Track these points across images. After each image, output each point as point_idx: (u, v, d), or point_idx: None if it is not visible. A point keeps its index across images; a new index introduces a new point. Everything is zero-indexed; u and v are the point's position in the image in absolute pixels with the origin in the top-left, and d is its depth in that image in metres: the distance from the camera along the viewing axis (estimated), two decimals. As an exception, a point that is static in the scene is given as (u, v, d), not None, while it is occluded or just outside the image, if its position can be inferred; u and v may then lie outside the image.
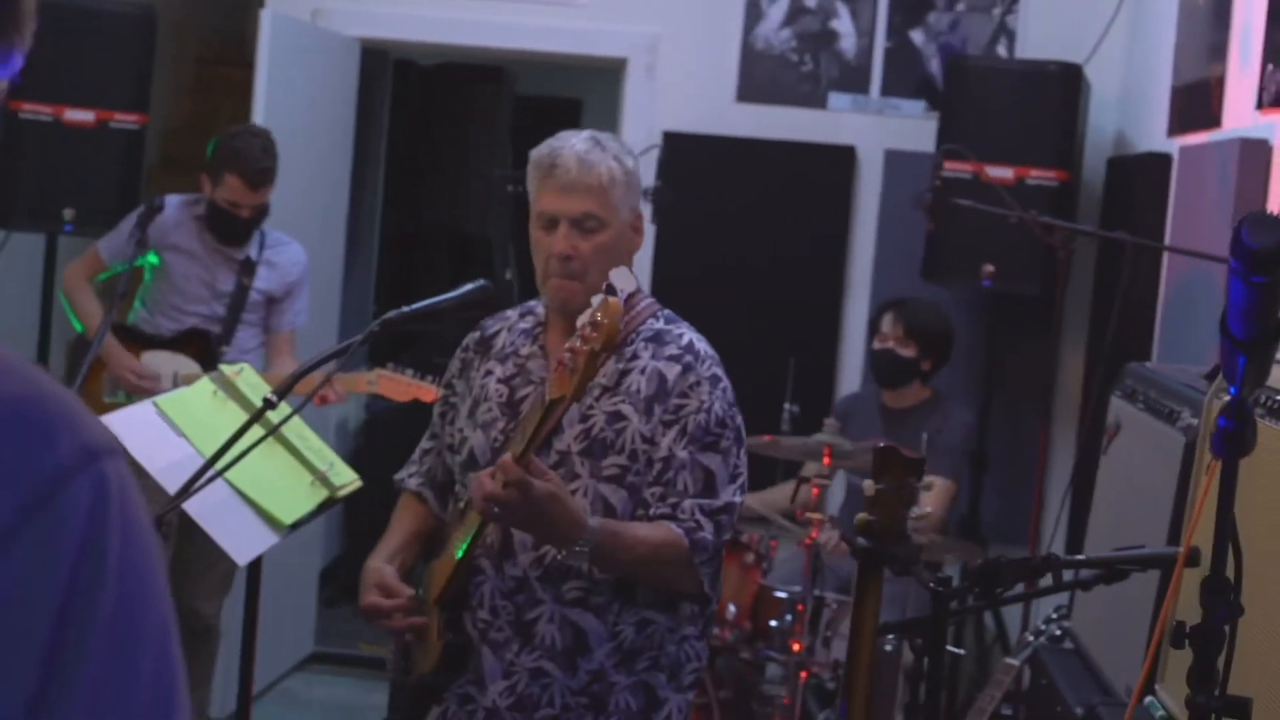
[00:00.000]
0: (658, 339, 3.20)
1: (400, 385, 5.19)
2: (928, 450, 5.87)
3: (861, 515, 2.85)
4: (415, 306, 3.11)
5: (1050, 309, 5.83)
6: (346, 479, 3.83)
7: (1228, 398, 1.99)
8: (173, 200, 5.58)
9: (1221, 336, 1.97)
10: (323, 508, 3.77)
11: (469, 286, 3.21)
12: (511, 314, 3.39)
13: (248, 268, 5.55)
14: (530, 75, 9.23)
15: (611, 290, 2.82)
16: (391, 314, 3.08)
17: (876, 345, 5.99)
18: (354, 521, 8.03)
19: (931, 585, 3.07)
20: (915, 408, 5.99)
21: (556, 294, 3.17)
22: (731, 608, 5.29)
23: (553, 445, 3.11)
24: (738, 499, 3.16)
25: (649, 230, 6.62)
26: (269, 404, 2.87)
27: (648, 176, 6.08)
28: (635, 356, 3.17)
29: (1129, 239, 4.97)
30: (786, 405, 5.96)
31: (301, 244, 6.37)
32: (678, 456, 3.10)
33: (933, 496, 5.85)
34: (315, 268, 6.53)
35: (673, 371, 3.15)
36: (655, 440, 3.11)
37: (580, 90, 9.95)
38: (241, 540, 3.45)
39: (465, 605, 3.16)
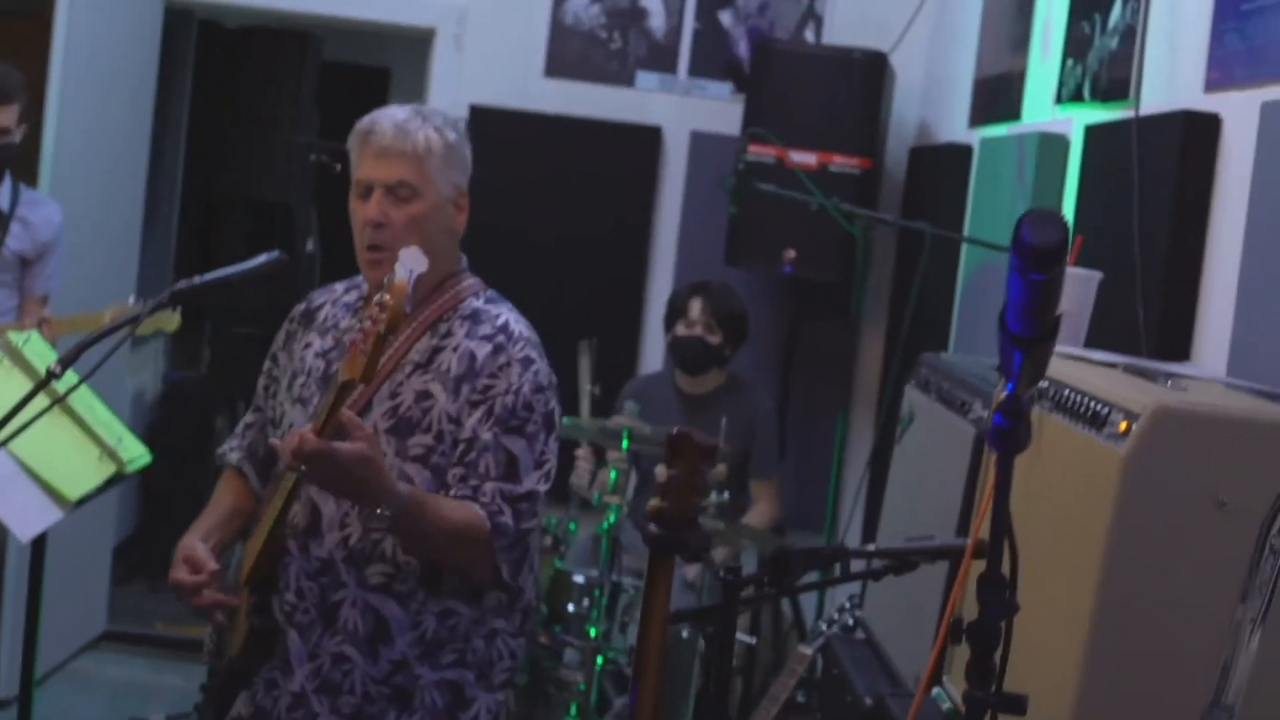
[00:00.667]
0: (474, 318, 3.17)
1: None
2: (754, 456, 5.92)
3: (654, 501, 2.84)
4: (206, 277, 3.04)
5: (849, 296, 5.87)
6: (135, 453, 3.75)
7: (1004, 394, 2.01)
8: None
9: (1000, 332, 1.99)
10: (111, 482, 3.68)
11: (262, 258, 3.15)
12: (339, 286, 3.35)
13: (0, 223, 5.34)
14: (339, 42, 9.10)
15: (402, 271, 2.79)
16: (181, 284, 3.01)
17: (683, 331, 5.93)
18: (149, 497, 7.87)
19: (722, 574, 3.08)
20: (714, 393, 5.99)
21: (368, 270, 3.13)
22: (526, 589, 5.26)
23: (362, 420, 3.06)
24: (541, 487, 3.13)
25: (452, 204, 6.59)
26: (52, 375, 2.78)
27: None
28: (449, 334, 3.14)
29: (928, 229, 5.02)
30: (588, 386, 5.95)
31: (97, 206, 6.22)
32: (481, 438, 3.07)
33: (764, 504, 5.91)
34: (112, 230, 6.39)
35: (484, 351, 3.12)
36: (461, 420, 3.07)
37: (390, 59, 9.84)
38: (25, 516, 3.36)
39: (274, 588, 3.10)
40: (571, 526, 5.62)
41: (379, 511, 2.91)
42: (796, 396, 6.51)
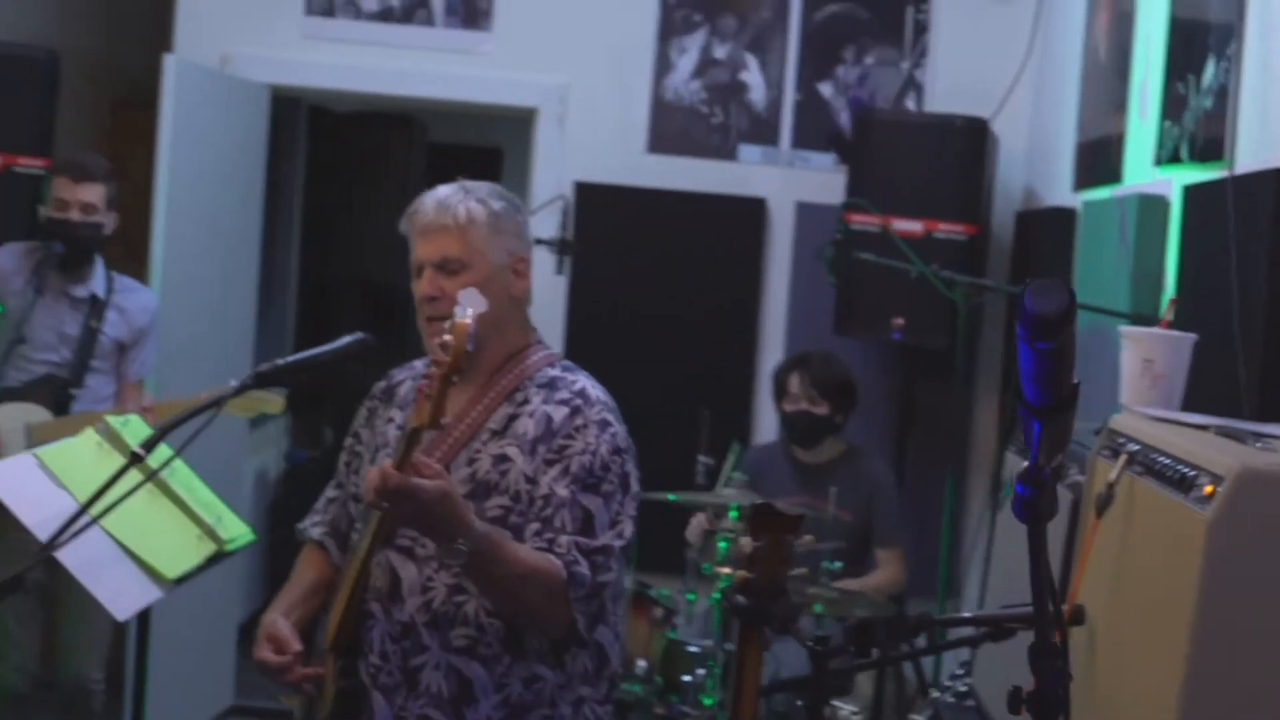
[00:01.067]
0: (551, 385, 3.20)
1: (245, 401, 5.14)
2: (875, 524, 5.90)
3: (740, 572, 2.83)
4: (290, 359, 3.08)
5: (959, 361, 5.83)
6: (237, 532, 3.79)
7: (1025, 464, 1.99)
8: (10, 248, 5.49)
9: (1017, 404, 1.98)
10: (211, 561, 3.72)
11: (346, 339, 3.19)
12: (419, 364, 3.39)
13: (96, 310, 5.42)
14: (451, 124, 9.23)
15: (461, 311, 2.86)
16: (265, 366, 3.05)
17: (788, 408, 5.95)
18: (276, 573, 7.93)
19: (809, 645, 3.07)
20: (830, 463, 5.97)
21: (430, 343, 3.17)
22: (641, 662, 5.27)
23: None
24: (616, 543, 3.13)
25: (560, 281, 6.64)
26: (138, 456, 2.83)
27: (550, 228, 6.07)
28: (526, 401, 3.17)
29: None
30: (700, 458, 5.94)
31: (209, 292, 6.32)
32: (558, 494, 3.08)
33: (888, 571, 5.86)
34: (225, 315, 6.49)
35: (560, 414, 3.15)
36: (537, 479, 3.09)
37: (502, 139, 9.95)
38: (121, 595, 3.41)
39: (359, 651, 3.13)
40: (690, 596, 5.60)
41: (456, 545, 2.92)
42: (911, 463, 6.47)
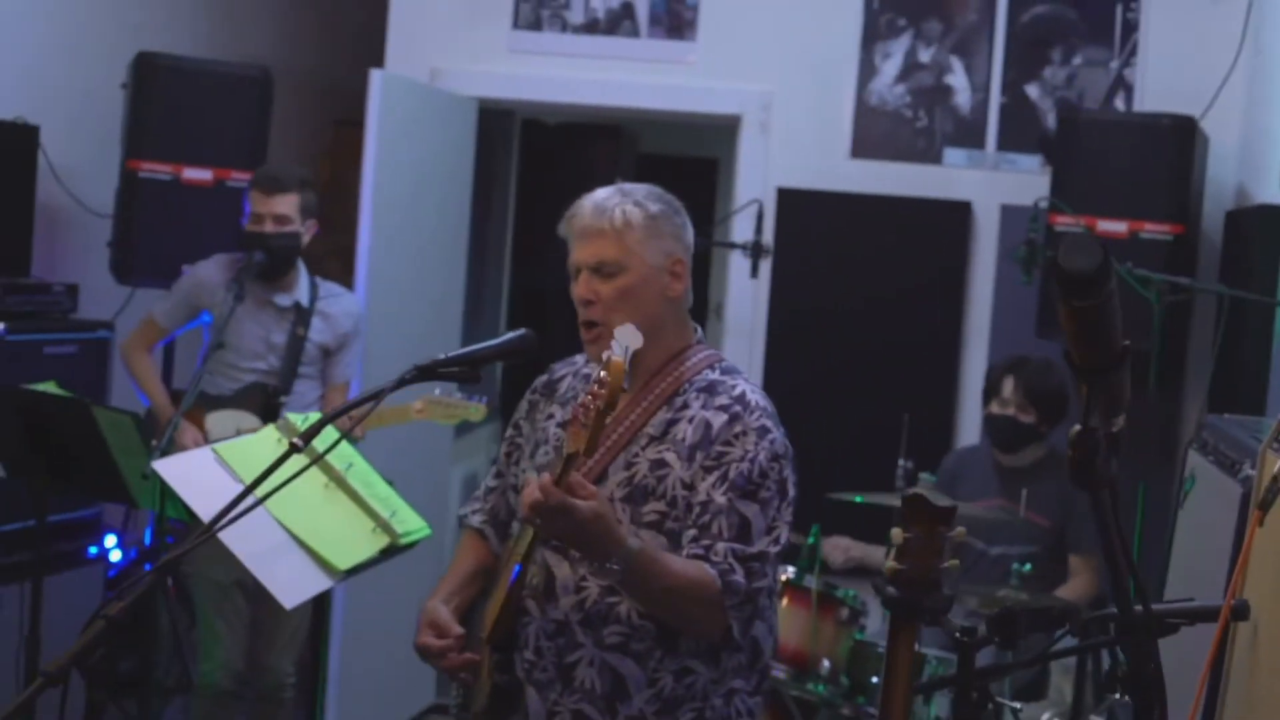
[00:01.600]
0: (710, 389, 3.21)
1: (448, 409, 5.23)
2: (1070, 530, 5.82)
3: (891, 564, 2.82)
4: (452, 354, 3.13)
5: (1165, 364, 5.72)
6: (412, 526, 3.85)
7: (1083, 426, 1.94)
8: (216, 259, 5.65)
9: (1069, 367, 1.94)
10: (386, 554, 3.79)
11: (509, 335, 3.23)
12: (579, 359, 3.42)
13: (301, 318, 5.56)
14: (665, 134, 9.29)
15: (618, 349, 2.87)
16: (426, 361, 3.10)
17: (995, 410, 5.90)
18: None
19: (957, 635, 3.03)
20: (1031, 466, 5.91)
21: (587, 347, 3.21)
22: (826, 663, 5.24)
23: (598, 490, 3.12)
24: (772, 549, 3.14)
25: (756, 285, 6.66)
26: (295, 448, 2.91)
27: (747, 232, 6.09)
28: (685, 406, 3.19)
29: (1223, 291, 4.88)
30: (901, 461, 5.90)
31: (415, 301, 6.45)
32: (715, 501, 3.10)
33: (1080, 579, 5.78)
34: (432, 323, 6.62)
35: (719, 420, 3.16)
36: (694, 485, 3.11)
37: (719, 149, 9.99)
38: (290, 583, 3.50)
39: (515, 646, 3.19)
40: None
41: (609, 565, 2.96)
42: (1120, 469, 6.34)
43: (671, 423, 3.17)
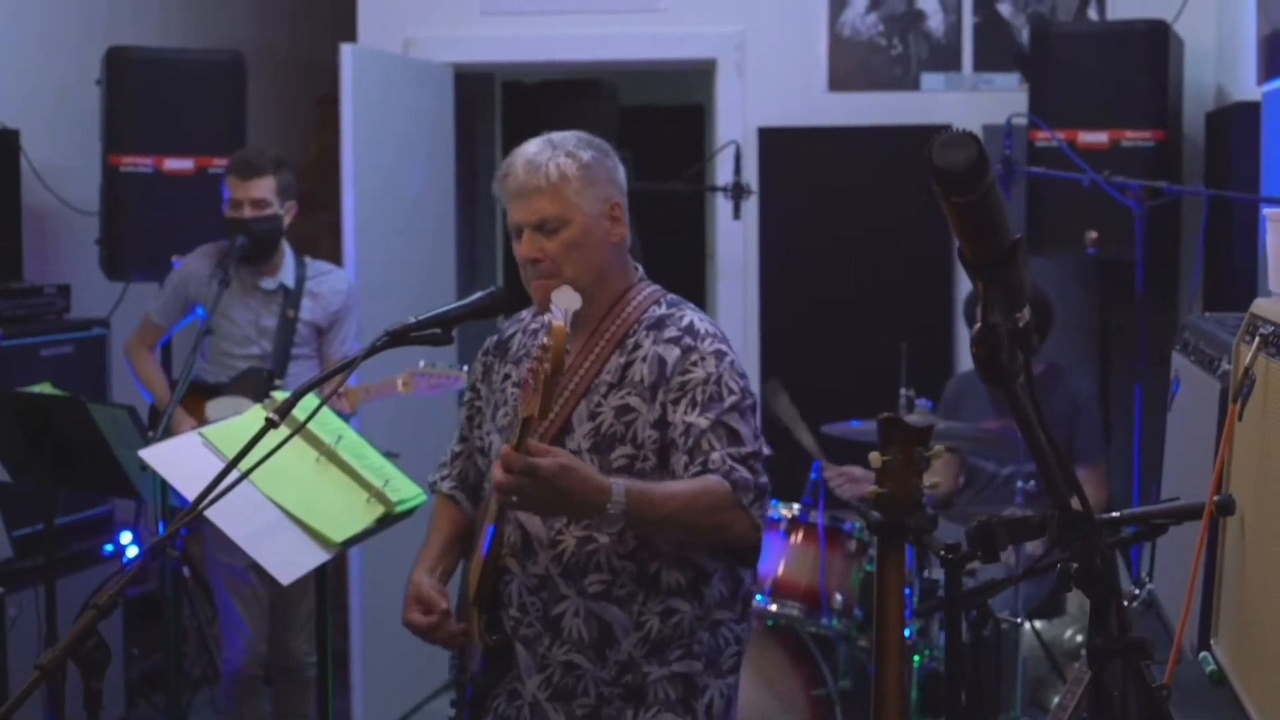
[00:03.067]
0: (659, 324, 3.21)
1: (432, 380, 5.23)
2: (1076, 442, 5.82)
3: (873, 488, 2.83)
4: (422, 316, 3.14)
5: (1156, 270, 5.72)
6: (407, 494, 3.86)
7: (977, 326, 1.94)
8: (201, 250, 5.66)
9: (963, 265, 1.94)
10: (383, 523, 3.82)
11: (480, 294, 3.23)
12: (525, 315, 3.42)
13: (290, 300, 5.57)
14: (646, 84, 9.28)
15: (557, 313, 2.86)
16: (395, 326, 3.11)
17: None
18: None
19: (942, 553, 3.05)
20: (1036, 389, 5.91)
21: (537, 295, 3.21)
22: (838, 596, 5.27)
23: (565, 445, 3.13)
24: (764, 450, 3.16)
25: (748, 227, 6.67)
26: (271, 423, 2.92)
27: (727, 174, 6.09)
28: (637, 346, 3.19)
29: (1202, 193, 4.88)
30: (902, 390, 5.91)
31: (404, 269, 6.47)
32: (697, 424, 3.09)
33: (1087, 490, 5.78)
34: (425, 292, 6.63)
35: (671, 354, 3.15)
36: (666, 420, 3.11)
37: (702, 96, 9.98)
38: (285, 560, 3.52)
39: (499, 604, 3.21)
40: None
41: (607, 512, 2.95)
42: (1114, 378, 6.36)
43: (626, 366, 3.17)
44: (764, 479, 3.13)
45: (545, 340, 2.80)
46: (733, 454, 3.08)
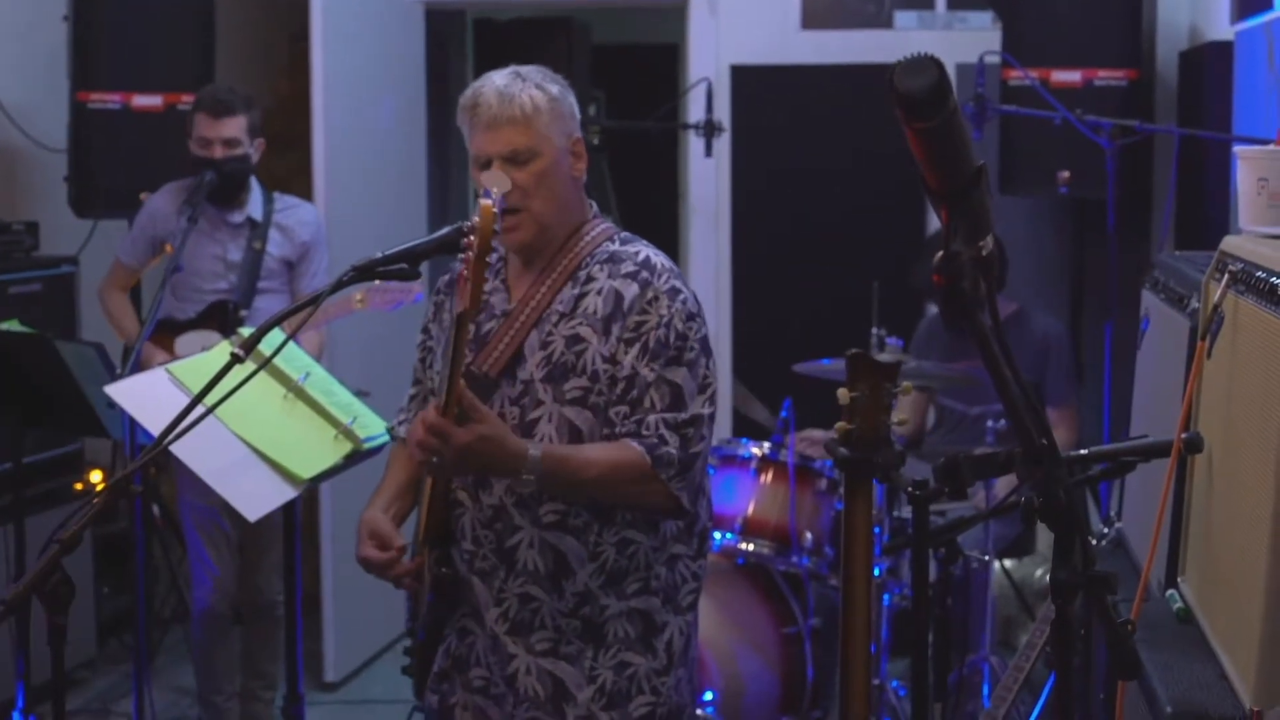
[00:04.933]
0: (613, 259, 3.19)
1: (387, 295, 5.20)
2: (1047, 383, 5.83)
3: (840, 424, 2.82)
4: (387, 252, 3.11)
5: (1129, 208, 5.72)
6: (374, 430, 3.87)
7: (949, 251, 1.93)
8: (166, 189, 5.62)
9: (926, 194, 1.93)
10: (350, 460, 3.81)
11: (446, 229, 3.20)
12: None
13: (257, 233, 5.53)
14: (620, 22, 9.24)
15: (485, 195, 2.91)
16: (362, 261, 3.09)
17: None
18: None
19: (907, 490, 3.05)
20: (1003, 323, 5.91)
21: (504, 235, 3.19)
22: (809, 535, 5.27)
23: (517, 375, 3.13)
24: (706, 410, 3.14)
25: (721, 165, 6.65)
26: (237, 358, 2.91)
27: (699, 112, 6.07)
28: (591, 279, 3.17)
29: (1174, 131, 4.88)
30: (874, 329, 5.91)
31: (375, 206, 6.44)
32: (642, 375, 3.09)
33: (1059, 431, 5.79)
34: (396, 231, 6.58)
35: (629, 290, 3.14)
36: (617, 359, 3.11)
37: (674, 35, 9.95)
38: (253, 497, 3.51)
39: (453, 540, 3.20)
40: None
41: (523, 477, 2.98)
42: (1087, 318, 6.36)
43: (579, 297, 3.16)
44: (696, 448, 3.11)
45: (474, 221, 2.81)
46: (668, 419, 3.08)
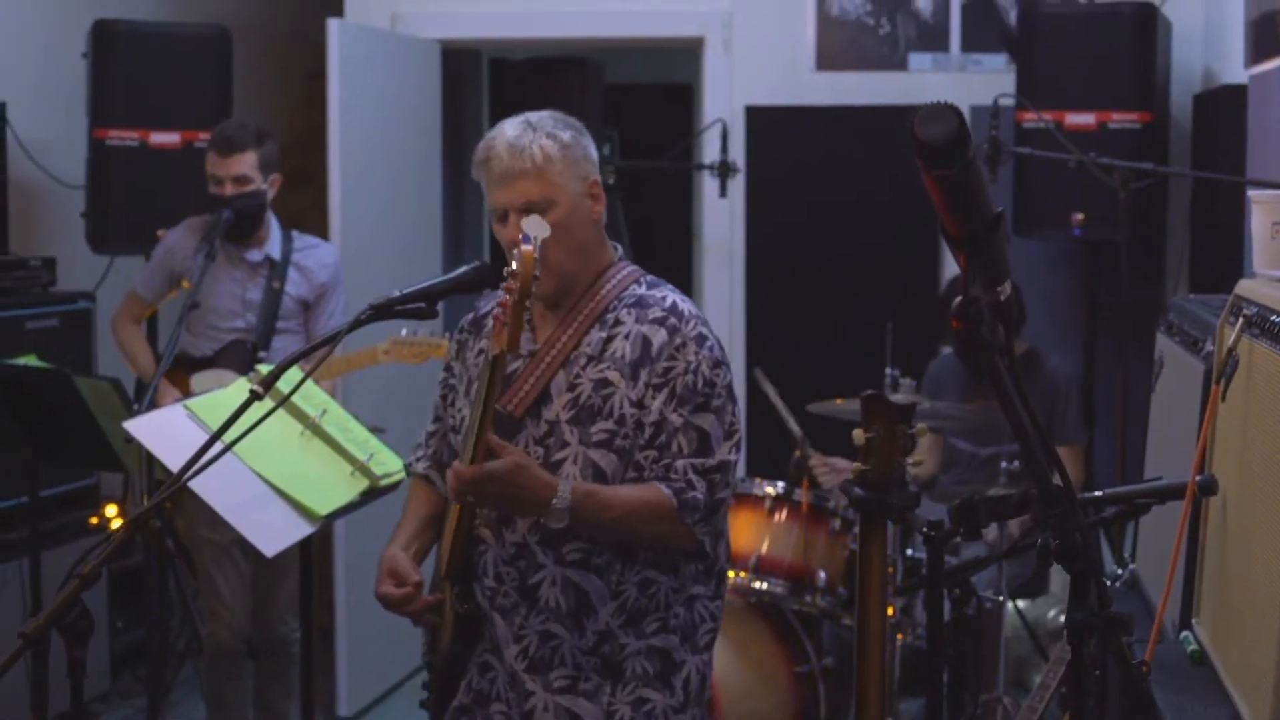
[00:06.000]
0: (640, 304, 3.22)
1: (414, 348, 5.21)
2: (1054, 423, 5.84)
3: (856, 464, 2.83)
4: (407, 290, 3.14)
5: (1143, 251, 5.73)
6: (391, 468, 3.88)
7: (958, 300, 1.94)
8: (186, 224, 5.62)
9: (944, 239, 1.95)
10: (367, 497, 3.83)
11: (464, 268, 3.22)
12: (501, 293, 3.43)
13: (276, 272, 5.53)
14: (633, 63, 9.28)
15: (526, 241, 2.94)
16: (380, 300, 3.11)
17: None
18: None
19: (924, 531, 3.07)
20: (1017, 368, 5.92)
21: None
22: (822, 574, 5.27)
23: (542, 415, 3.16)
24: (733, 456, 3.18)
25: (735, 205, 6.68)
26: (255, 395, 2.92)
27: (714, 152, 6.10)
28: (619, 323, 3.20)
29: (1188, 173, 4.89)
30: (888, 370, 5.92)
31: (391, 245, 6.46)
32: (670, 420, 3.12)
33: (1068, 470, 5.78)
34: (411, 269, 6.63)
35: (658, 336, 3.17)
36: (645, 404, 3.13)
37: (689, 74, 9.99)
38: (269, 532, 3.53)
39: (473, 576, 3.22)
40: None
41: (554, 507, 3.01)
42: (1101, 360, 6.37)
43: (608, 340, 3.19)
44: (721, 494, 3.16)
45: (514, 268, 2.85)
46: (696, 465, 3.12)
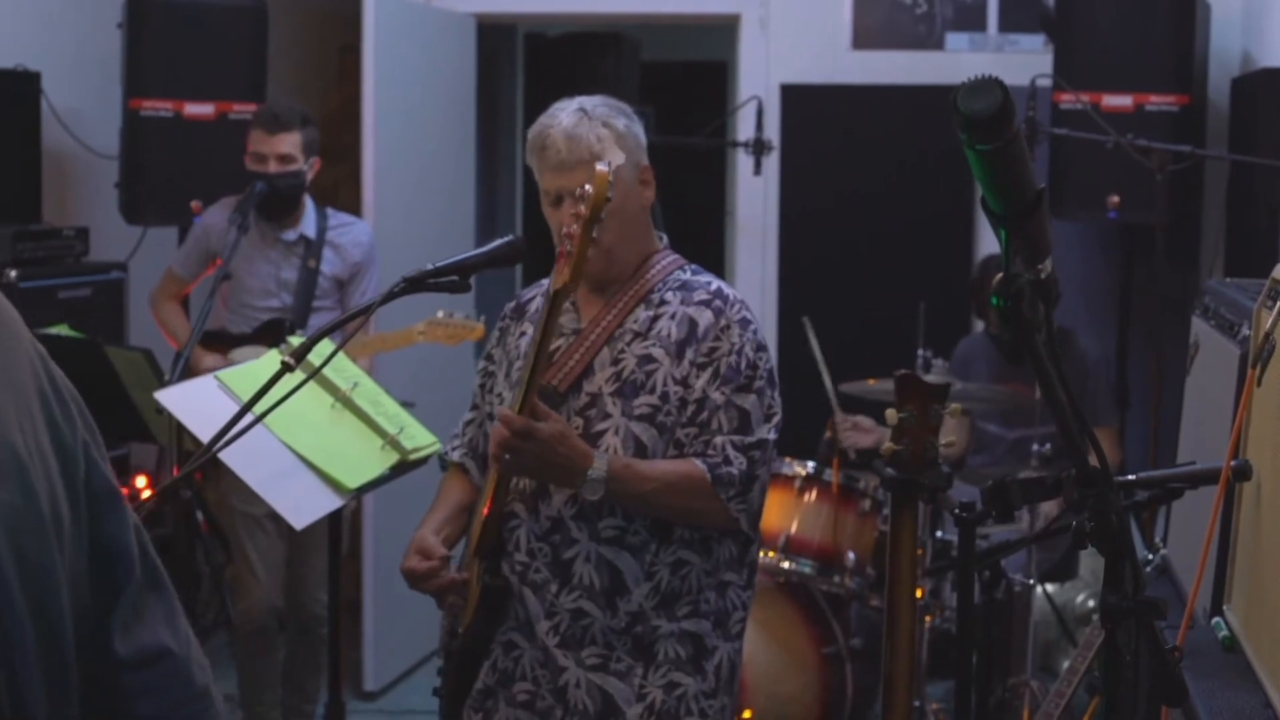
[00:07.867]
0: (685, 287, 3.27)
1: (450, 329, 5.19)
2: (1087, 404, 5.81)
3: (888, 444, 2.82)
4: (440, 264, 3.14)
5: (1179, 234, 5.69)
6: (421, 442, 3.87)
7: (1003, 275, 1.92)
8: (221, 203, 5.63)
9: (986, 215, 1.93)
10: (396, 471, 3.82)
11: (497, 242, 3.23)
12: (546, 282, 3.42)
13: (311, 251, 5.52)
14: (670, 39, 9.26)
15: (602, 164, 3.02)
16: (413, 272, 3.11)
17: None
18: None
19: (954, 513, 3.05)
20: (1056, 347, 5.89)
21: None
22: (851, 555, 5.27)
23: (583, 387, 3.18)
24: (772, 436, 3.20)
25: (769, 183, 6.65)
26: (287, 366, 2.92)
27: (748, 130, 6.07)
28: (664, 303, 3.24)
29: (1225, 156, 4.85)
30: (920, 351, 5.90)
31: (424, 220, 6.45)
32: (712, 398, 3.15)
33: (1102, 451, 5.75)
34: (444, 243, 6.61)
35: (704, 317, 3.21)
36: (689, 383, 3.16)
37: (724, 52, 9.96)
38: (300, 504, 3.53)
39: (502, 553, 3.21)
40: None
41: (590, 477, 3.03)
42: (1134, 342, 6.33)
43: (654, 319, 3.23)
44: (760, 470, 3.18)
45: (587, 188, 2.93)
46: (735, 441, 3.15)
